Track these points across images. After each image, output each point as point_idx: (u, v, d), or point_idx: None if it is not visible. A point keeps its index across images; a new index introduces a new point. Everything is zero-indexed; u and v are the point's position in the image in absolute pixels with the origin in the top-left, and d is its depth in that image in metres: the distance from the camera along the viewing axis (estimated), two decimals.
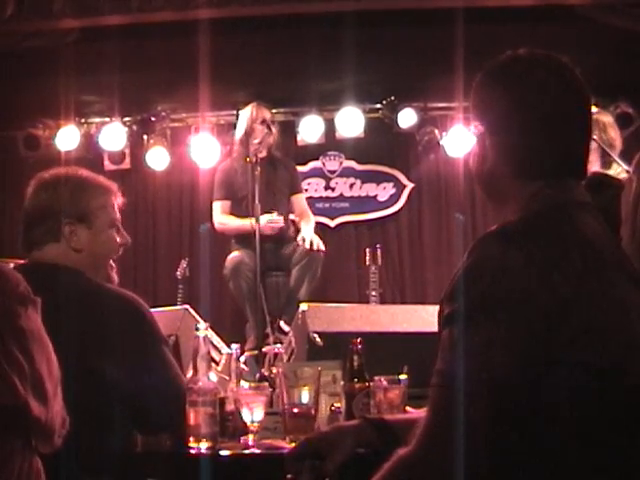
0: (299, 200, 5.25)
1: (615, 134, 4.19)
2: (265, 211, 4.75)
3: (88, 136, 6.28)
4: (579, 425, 1.35)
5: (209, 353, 2.28)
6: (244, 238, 4.90)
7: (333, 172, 6.60)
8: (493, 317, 1.36)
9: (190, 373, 2.12)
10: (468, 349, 1.36)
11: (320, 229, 6.35)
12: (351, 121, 6.09)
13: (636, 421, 1.37)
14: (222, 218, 5.13)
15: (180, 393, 2.09)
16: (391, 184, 6.54)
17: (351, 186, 6.59)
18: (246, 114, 5.11)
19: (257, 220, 4.54)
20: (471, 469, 1.35)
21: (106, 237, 2.28)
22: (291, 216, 5.21)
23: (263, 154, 4.94)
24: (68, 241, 2.20)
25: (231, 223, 5.09)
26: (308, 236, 4.92)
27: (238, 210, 5.08)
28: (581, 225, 1.46)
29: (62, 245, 2.20)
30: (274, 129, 5.11)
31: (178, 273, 5.72)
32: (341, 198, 6.58)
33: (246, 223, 4.87)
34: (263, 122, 5.01)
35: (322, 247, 4.94)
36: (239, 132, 5.13)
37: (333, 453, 1.66)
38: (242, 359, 2.99)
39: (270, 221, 4.87)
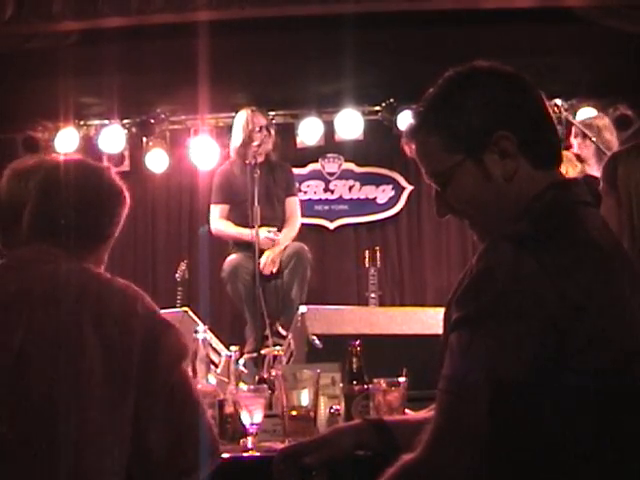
0: (291, 203, 5.21)
1: (611, 136, 4.22)
2: (263, 223, 4.71)
3: (87, 138, 6.28)
4: (590, 431, 1.34)
5: (208, 355, 2.28)
6: (243, 241, 4.90)
7: (332, 174, 6.60)
8: (503, 323, 1.35)
9: None
10: (477, 355, 1.35)
11: (319, 231, 6.37)
12: (350, 123, 6.09)
13: None
14: (219, 224, 5.11)
15: None
16: (390, 186, 6.53)
17: (350, 188, 6.59)
18: (241, 122, 5.08)
19: (256, 223, 4.55)
20: (478, 476, 1.34)
21: None
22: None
23: (261, 159, 4.95)
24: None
25: (228, 230, 5.08)
26: (264, 259, 4.85)
27: (236, 214, 5.07)
28: (589, 228, 1.46)
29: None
30: (272, 132, 5.11)
31: (177, 275, 5.71)
32: (340, 200, 6.58)
33: (243, 232, 4.88)
34: (260, 129, 5.02)
35: (274, 269, 4.87)
36: (235, 140, 5.10)
37: (320, 450, 1.66)
38: (241, 361, 2.98)
39: (268, 237, 4.83)
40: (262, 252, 4.65)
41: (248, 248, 4.73)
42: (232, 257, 4.94)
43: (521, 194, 1.50)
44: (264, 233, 4.78)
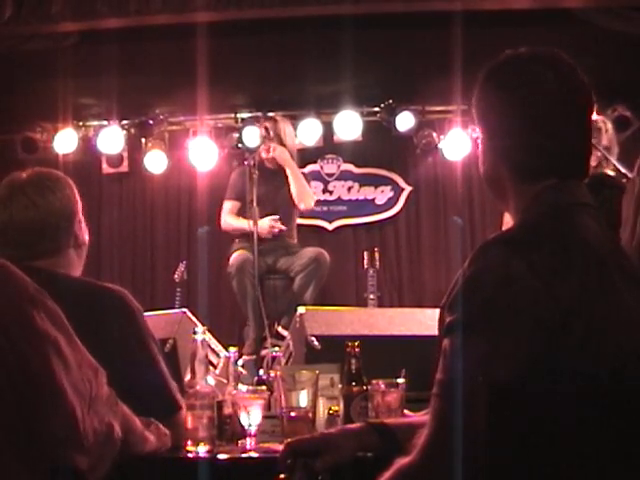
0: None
1: (608, 138, 4.22)
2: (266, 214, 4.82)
3: (86, 139, 6.28)
4: (581, 434, 1.34)
5: (207, 356, 2.27)
6: (246, 240, 4.91)
7: (331, 175, 6.60)
8: (495, 326, 1.35)
9: (188, 376, 2.11)
10: (469, 359, 1.35)
11: (318, 232, 6.38)
12: (349, 124, 6.09)
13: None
14: (227, 218, 5.20)
15: (166, 391, 2.06)
16: (389, 187, 6.53)
17: (349, 189, 6.59)
18: None
19: (255, 223, 4.57)
20: (472, 479, 1.34)
21: (85, 230, 2.24)
22: (298, 220, 5.23)
23: (272, 165, 5.09)
24: (75, 243, 2.19)
25: (233, 222, 5.16)
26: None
27: (244, 212, 5.11)
28: (583, 229, 1.45)
29: (75, 251, 2.18)
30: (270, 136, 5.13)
31: (176, 276, 5.71)
32: (339, 201, 6.58)
33: (247, 225, 4.92)
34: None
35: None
36: None
37: (327, 452, 1.66)
38: (240, 362, 2.99)
39: (272, 225, 4.95)
40: (264, 251, 4.70)
41: (251, 247, 4.75)
42: (239, 252, 4.95)
43: (521, 194, 1.52)
44: (267, 220, 4.96)
